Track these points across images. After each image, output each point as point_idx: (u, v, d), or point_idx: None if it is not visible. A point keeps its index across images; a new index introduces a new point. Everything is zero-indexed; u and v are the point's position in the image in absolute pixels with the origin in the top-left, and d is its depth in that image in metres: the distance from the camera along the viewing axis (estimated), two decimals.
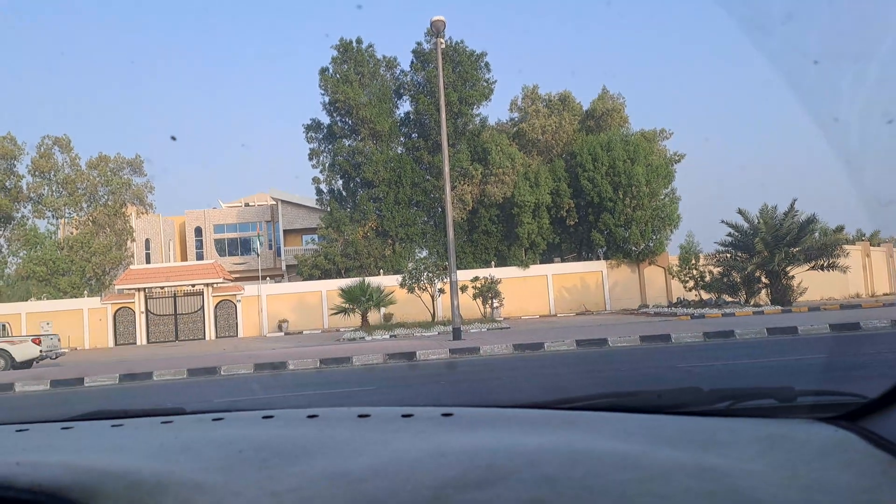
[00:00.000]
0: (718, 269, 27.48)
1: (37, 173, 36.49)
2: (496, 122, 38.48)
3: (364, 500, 0.78)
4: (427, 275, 25.50)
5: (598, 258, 34.73)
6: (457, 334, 18.83)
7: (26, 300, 35.20)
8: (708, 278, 27.48)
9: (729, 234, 27.38)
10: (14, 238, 36.40)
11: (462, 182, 33.95)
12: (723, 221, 27.38)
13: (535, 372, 12.35)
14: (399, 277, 26.73)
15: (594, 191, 33.06)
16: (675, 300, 30.07)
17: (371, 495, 0.79)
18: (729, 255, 27.47)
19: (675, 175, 35.04)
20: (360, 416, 1.16)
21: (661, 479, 0.81)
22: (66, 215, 37.09)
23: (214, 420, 1.20)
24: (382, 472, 0.85)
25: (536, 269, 33.00)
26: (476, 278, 27.20)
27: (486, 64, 35.45)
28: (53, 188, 36.85)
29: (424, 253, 34.79)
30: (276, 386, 13.27)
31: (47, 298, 33.45)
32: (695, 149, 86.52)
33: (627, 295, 32.77)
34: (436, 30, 20.26)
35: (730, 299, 26.95)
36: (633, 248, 33.00)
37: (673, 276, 30.05)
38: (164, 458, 0.90)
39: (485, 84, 35.30)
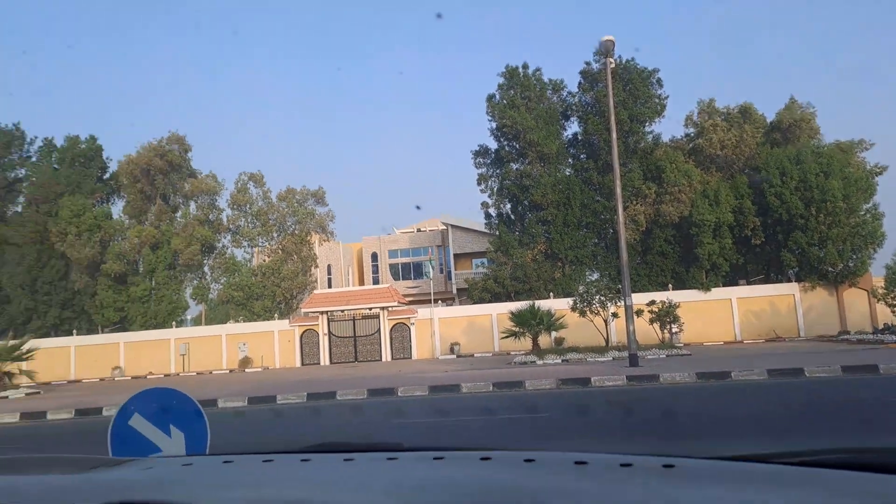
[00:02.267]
0: None
1: (234, 207, 40.16)
2: (670, 139, 36.89)
3: None
4: (599, 298, 24.78)
5: (788, 280, 31.95)
6: (633, 360, 18.06)
7: (226, 322, 38.71)
8: None
9: None
10: (216, 266, 40.21)
11: (634, 202, 32.85)
12: None
13: (725, 405, 11.43)
14: (570, 301, 26.22)
15: (782, 207, 30.57)
16: (881, 326, 26.88)
17: None
18: None
19: (878, 189, 31.60)
20: (577, 462, 1.12)
21: None
22: (260, 244, 40.36)
23: (435, 459, 1.22)
24: None
25: (719, 293, 30.96)
26: (652, 302, 26.01)
27: (658, 80, 34.28)
28: (248, 220, 40.32)
29: (595, 276, 33.93)
30: (451, 409, 13.36)
31: (244, 321, 36.56)
32: None
33: (824, 320, 29.76)
34: (605, 49, 19.96)
35: None
36: (830, 269, 29.99)
37: (878, 300, 26.92)
38: (401, 497, 0.93)
39: (657, 100, 34.09)
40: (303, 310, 34.04)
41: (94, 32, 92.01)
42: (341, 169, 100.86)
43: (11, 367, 25.50)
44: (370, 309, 32.52)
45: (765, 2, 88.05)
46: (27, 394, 23.89)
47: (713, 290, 31.07)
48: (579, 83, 35.71)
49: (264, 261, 39.08)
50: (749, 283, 33.03)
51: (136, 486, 0.69)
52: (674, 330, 26.33)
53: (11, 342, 26.32)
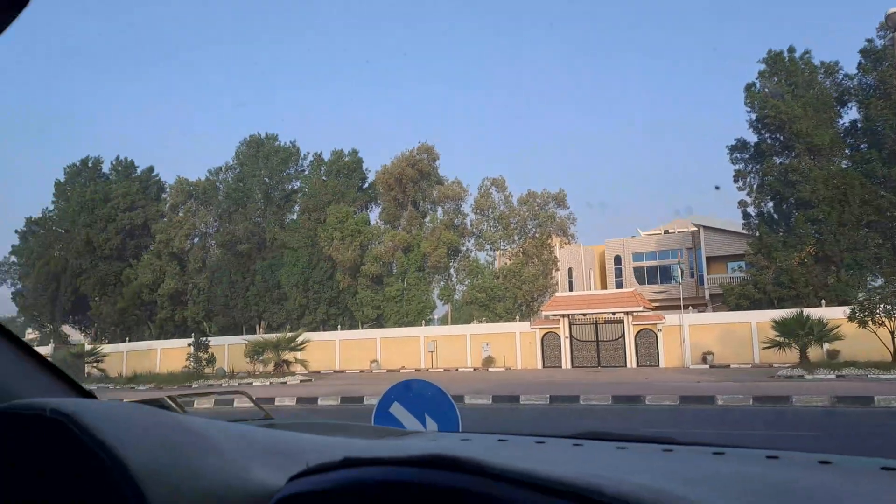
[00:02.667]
0: None
1: (478, 211, 41.59)
2: None
3: None
4: (884, 306, 21.48)
5: None
6: None
7: (470, 322, 40.14)
8: None
9: None
10: (461, 268, 41.96)
11: None
12: None
13: None
14: (846, 309, 23.13)
15: None
16: None
17: None
18: None
19: None
20: (884, 468, 0.98)
21: None
22: (501, 247, 41.31)
23: (715, 454, 1.13)
24: None
25: None
26: None
27: None
28: (491, 224, 41.50)
29: (879, 281, 29.54)
30: (703, 421, 12.36)
31: (486, 321, 37.61)
32: None
33: None
34: (892, 23, 17.29)
35: None
36: None
37: None
38: (687, 484, 0.87)
39: None
40: (543, 313, 34.08)
41: (351, 58, 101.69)
42: (584, 172, 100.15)
43: (289, 356, 28.84)
44: (613, 314, 31.58)
45: None
46: (301, 381, 26.78)
47: None
48: (859, 63, 31.70)
49: (506, 263, 39.90)
50: None
51: (428, 450, 0.69)
52: None
53: (289, 334, 29.75)
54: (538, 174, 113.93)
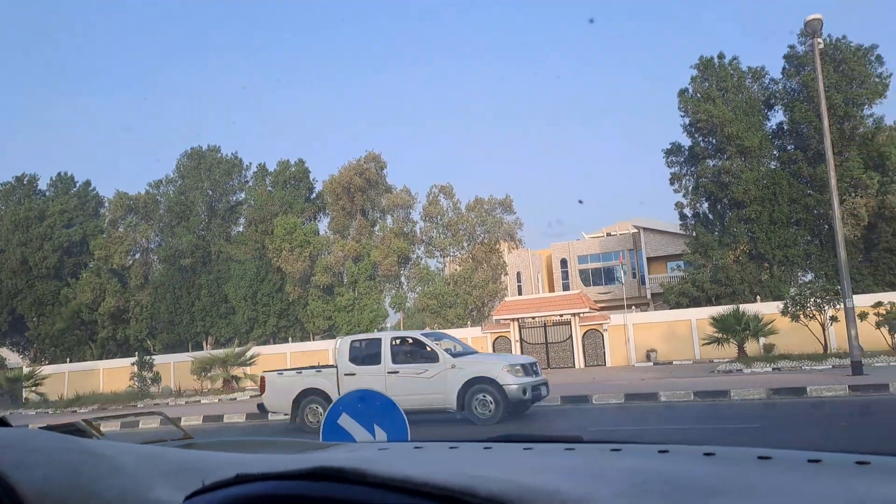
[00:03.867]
0: None
1: (427, 218, 41.92)
2: (895, 122, 32.85)
3: None
4: (814, 300, 22.53)
5: None
6: (856, 368, 16.23)
7: (422, 329, 40.27)
8: None
9: None
10: (411, 276, 42.19)
11: (853, 194, 29.57)
12: None
13: None
14: (779, 304, 24.14)
15: None
16: None
17: None
18: None
19: None
20: (761, 457, 1.06)
21: None
22: (451, 254, 41.70)
23: (613, 450, 1.20)
24: None
25: None
26: (879, 303, 23.15)
27: (878, 57, 30.72)
28: (440, 230, 41.86)
29: (809, 276, 30.96)
30: (648, 418, 12.85)
31: (439, 328, 37.86)
32: None
33: None
34: (811, 30, 18.25)
35: None
36: None
37: None
38: (578, 481, 0.92)
39: (876, 80, 30.54)
40: (494, 317, 34.55)
41: (298, 66, 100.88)
42: (528, 177, 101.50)
43: (238, 371, 28.47)
44: (561, 315, 32.24)
45: None
46: (252, 396, 26.48)
47: None
48: (783, 69, 33.07)
49: (456, 270, 40.27)
50: None
51: (339, 462, 0.78)
52: None
53: (237, 349, 29.39)
54: (485, 180, 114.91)
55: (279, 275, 42.17)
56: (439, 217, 41.29)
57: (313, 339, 40.57)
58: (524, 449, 1.30)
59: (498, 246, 40.19)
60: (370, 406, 4.12)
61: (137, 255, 47.04)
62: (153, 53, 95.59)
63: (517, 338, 32.77)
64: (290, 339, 40.59)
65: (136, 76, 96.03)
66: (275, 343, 40.61)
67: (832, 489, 0.90)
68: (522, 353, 32.62)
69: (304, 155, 52.35)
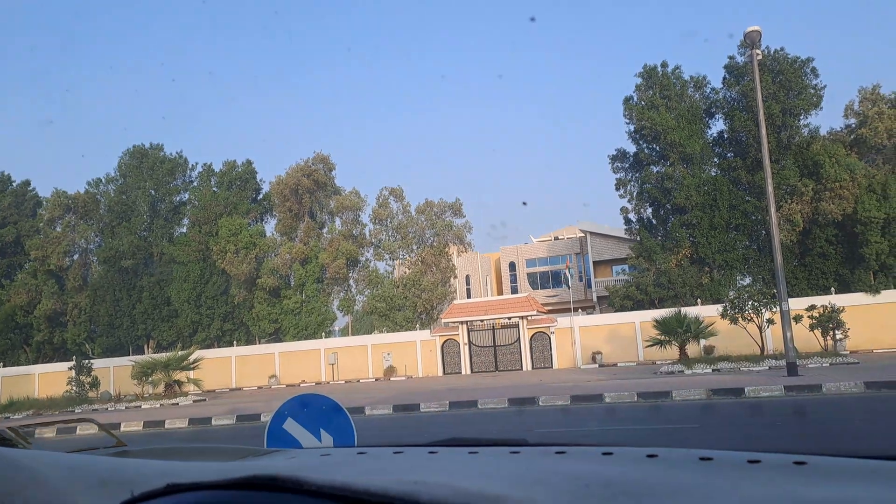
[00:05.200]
0: None
1: (376, 221, 41.69)
2: (828, 132, 34.17)
3: None
4: (752, 304, 23.27)
5: None
6: (791, 369, 16.81)
7: (371, 333, 40.07)
8: None
9: None
10: (360, 278, 41.88)
11: (790, 200, 30.66)
12: None
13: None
14: (719, 307, 24.86)
15: None
16: None
17: None
18: None
19: None
20: (702, 458, 1.08)
21: None
22: (400, 257, 41.56)
23: (557, 453, 1.21)
24: None
25: (890, 295, 28.13)
26: (812, 307, 24.07)
27: (813, 69, 31.89)
28: (389, 233, 41.69)
29: (747, 280, 31.95)
30: (593, 419, 13.04)
31: (387, 331, 37.72)
32: None
33: None
34: (750, 41, 18.85)
35: None
36: None
37: None
38: (521, 486, 0.92)
39: (812, 91, 31.72)
40: (443, 320, 34.61)
41: (237, 62, 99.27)
42: (478, 181, 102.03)
43: (180, 376, 27.79)
44: (509, 318, 32.50)
45: None
46: (195, 401, 25.90)
47: (883, 292, 28.29)
48: (724, 78, 33.98)
49: (405, 273, 40.17)
50: None
51: (277, 469, 0.76)
52: (837, 336, 24.22)
53: (180, 353, 28.69)
54: (435, 184, 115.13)
55: (224, 277, 41.36)
56: (389, 220, 41.13)
57: (259, 343, 39.92)
58: (469, 453, 1.29)
59: (447, 249, 40.27)
60: (315, 410, 4.06)
61: (76, 256, 45.48)
62: (85, 46, 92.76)
63: (465, 340, 32.90)
64: (234, 342, 39.84)
65: (64, 71, 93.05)
66: (219, 347, 39.79)
67: (771, 489, 0.92)
68: (471, 356, 32.79)
69: (253, 156, 51.54)
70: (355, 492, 0.65)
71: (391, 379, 32.64)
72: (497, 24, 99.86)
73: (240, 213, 42.64)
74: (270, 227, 44.44)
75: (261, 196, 45.77)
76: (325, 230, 43.00)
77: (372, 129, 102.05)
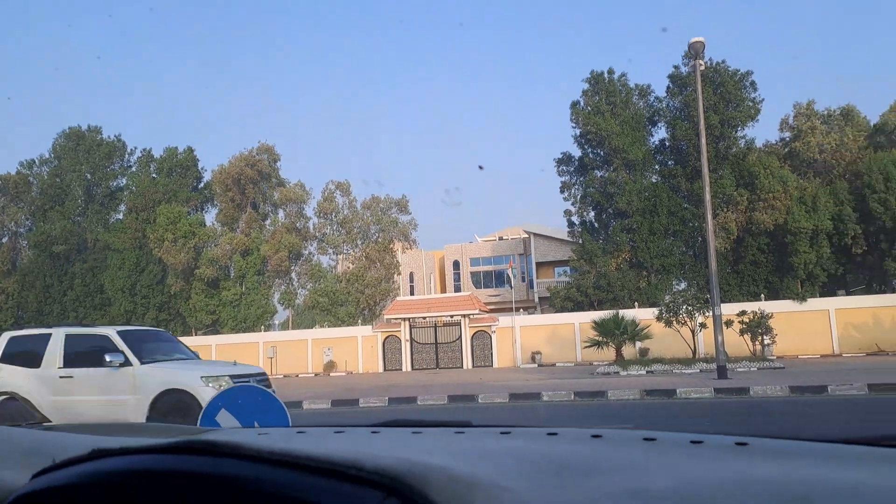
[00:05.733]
0: None
1: (321, 215, 41.23)
2: (764, 144, 35.46)
3: None
4: (686, 308, 23.97)
5: (893, 291, 30.04)
6: (721, 372, 17.34)
7: (312, 327, 39.63)
8: None
9: None
10: (302, 272, 41.37)
11: (725, 209, 31.68)
12: None
13: (820, 419, 10.81)
14: (655, 311, 25.51)
15: (886, 214, 28.85)
16: None
17: None
18: None
19: None
20: (646, 438, 1.11)
21: None
22: (344, 252, 41.23)
23: (502, 433, 1.22)
24: (682, 493, 0.81)
25: (816, 304, 29.39)
26: (743, 312, 24.94)
27: (752, 83, 33.00)
28: (334, 228, 41.30)
29: (683, 285, 32.88)
30: (531, 417, 13.21)
31: (328, 326, 37.39)
32: None
33: None
34: (694, 52, 19.32)
35: None
36: None
37: None
38: (466, 461, 0.92)
39: (750, 104, 32.81)
40: (385, 316, 34.51)
41: (183, 46, 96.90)
42: (425, 178, 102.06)
43: None
44: (451, 316, 32.63)
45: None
46: None
47: (809, 300, 29.52)
48: (667, 87, 34.84)
49: (349, 268, 39.89)
50: (849, 294, 31.26)
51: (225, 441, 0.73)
52: (766, 342, 25.16)
53: None
54: (382, 180, 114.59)
55: (160, 266, 40.29)
56: (334, 214, 40.74)
57: (195, 335, 39.02)
58: (413, 433, 1.28)
59: (392, 245, 40.15)
60: (249, 401, 4.02)
61: (5, 240, 43.66)
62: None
63: (407, 337, 32.89)
64: (171, 333, 38.84)
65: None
66: None
67: (713, 466, 0.94)
68: (412, 353, 32.80)
69: (195, 144, 50.31)
70: (296, 457, 0.63)
71: (331, 374, 32.39)
72: (444, 27, 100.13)
73: (179, 201, 41.59)
74: (211, 216, 43.56)
75: (202, 185, 44.75)
76: (267, 222, 42.32)
77: (321, 123, 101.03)
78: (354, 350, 33.77)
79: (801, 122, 34.58)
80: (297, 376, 32.37)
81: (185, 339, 36.86)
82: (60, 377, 10.40)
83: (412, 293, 44.26)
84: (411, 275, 46.64)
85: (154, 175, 43.44)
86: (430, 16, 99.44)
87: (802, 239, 30.03)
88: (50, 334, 10.95)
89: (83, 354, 10.51)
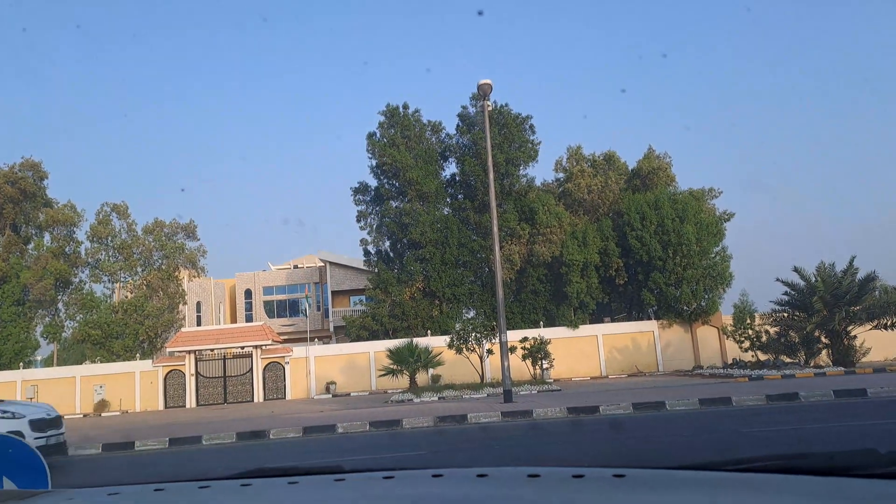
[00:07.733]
0: (775, 328, 26.51)
1: (95, 239, 37.66)
2: (542, 183, 38.56)
3: None
4: (475, 335, 25.12)
5: (648, 318, 33.91)
6: (508, 396, 18.34)
7: (81, 363, 35.80)
8: (764, 338, 26.47)
9: (785, 293, 26.55)
10: (71, 302, 37.35)
11: (509, 242, 33.84)
12: (778, 280, 26.60)
13: (595, 438, 11.84)
14: (447, 338, 26.41)
15: (643, 249, 32.55)
16: (730, 361, 29.00)
17: None
18: (786, 315, 26.54)
19: (726, 233, 34.32)
20: (530, 475, 1.12)
21: None
22: (122, 279, 37.98)
23: (385, 478, 1.19)
24: None
25: (586, 330, 32.32)
26: (525, 339, 26.70)
27: (532, 126, 35.77)
28: (110, 253, 37.92)
29: (472, 313, 34.47)
30: (326, 451, 12.99)
31: (101, 361, 34.02)
32: (744, 207, 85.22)
33: (680, 356, 31.76)
34: (482, 93, 20.47)
35: (788, 360, 25.83)
36: (685, 307, 32.15)
37: (727, 337, 29.01)
38: None
39: (530, 145, 35.51)
40: (168, 349, 32.18)
41: None
42: (215, 204, 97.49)
43: None
44: (242, 348, 31.27)
45: (624, 66, 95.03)
46: None
47: (581, 327, 32.36)
48: (457, 125, 36.56)
49: (127, 297, 36.75)
50: (613, 321, 34.70)
51: None
52: (544, 366, 27.07)
53: None
54: (168, 206, 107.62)
55: None
56: (110, 238, 37.44)
57: None
58: (289, 483, 1.20)
59: (177, 273, 37.71)
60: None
61: None
62: None
63: (192, 371, 30.95)
64: None
65: None
66: None
67: (598, 500, 0.97)
68: (198, 388, 30.91)
69: None
70: None
71: (102, 414, 29.49)
72: (242, 47, 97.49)
73: None
74: None
75: None
76: (30, 246, 37.81)
77: (103, 143, 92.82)
78: (132, 387, 31.07)
79: (573, 164, 38.14)
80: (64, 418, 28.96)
81: None
82: None
83: (199, 324, 41.80)
84: (198, 304, 44.09)
85: None
86: (224, 28, 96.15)
87: (575, 270, 32.87)
88: None
89: None
